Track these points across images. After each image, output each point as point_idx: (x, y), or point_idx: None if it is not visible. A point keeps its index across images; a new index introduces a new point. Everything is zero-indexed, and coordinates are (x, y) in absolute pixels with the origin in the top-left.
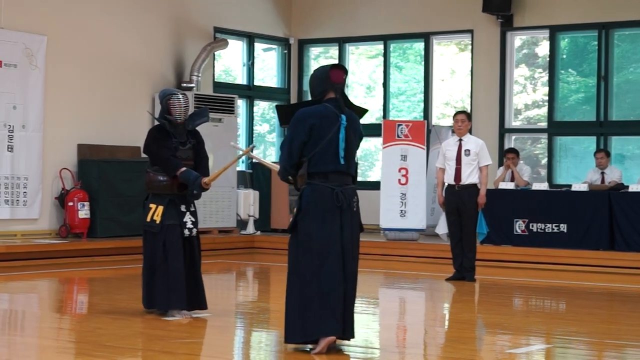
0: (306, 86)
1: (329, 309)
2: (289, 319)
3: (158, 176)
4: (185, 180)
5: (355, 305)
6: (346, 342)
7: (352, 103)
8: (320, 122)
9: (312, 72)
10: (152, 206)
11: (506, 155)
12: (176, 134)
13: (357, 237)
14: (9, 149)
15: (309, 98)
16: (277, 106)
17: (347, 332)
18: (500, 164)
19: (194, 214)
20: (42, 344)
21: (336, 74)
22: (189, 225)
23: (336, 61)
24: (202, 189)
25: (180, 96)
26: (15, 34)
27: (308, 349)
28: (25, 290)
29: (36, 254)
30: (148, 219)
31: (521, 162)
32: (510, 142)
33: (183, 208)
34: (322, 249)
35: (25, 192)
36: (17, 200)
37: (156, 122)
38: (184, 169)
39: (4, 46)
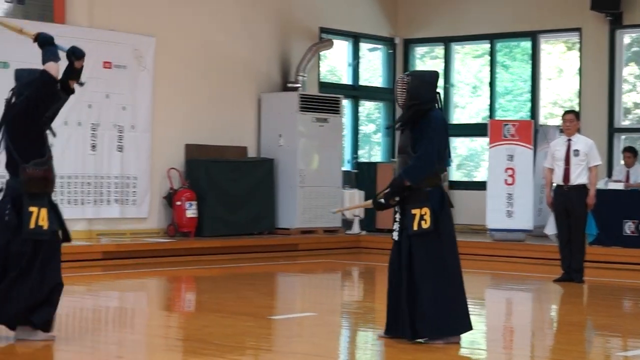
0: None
1: (466, 305)
2: (430, 317)
3: (37, 170)
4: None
5: None
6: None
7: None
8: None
9: (418, 76)
10: (33, 209)
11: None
12: None
13: None
14: (119, 149)
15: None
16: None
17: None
18: (609, 163)
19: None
20: (150, 342)
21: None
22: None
23: (442, 60)
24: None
25: None
26: (125, 35)
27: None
28: (135, 288)
29: (145, 253)
30: (32, 226)
31: (637, 163)
32: (620, 141)
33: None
34: (456, 248)
35: (134, 192)
36: (127, 199)
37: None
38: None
39: (114, 48)
